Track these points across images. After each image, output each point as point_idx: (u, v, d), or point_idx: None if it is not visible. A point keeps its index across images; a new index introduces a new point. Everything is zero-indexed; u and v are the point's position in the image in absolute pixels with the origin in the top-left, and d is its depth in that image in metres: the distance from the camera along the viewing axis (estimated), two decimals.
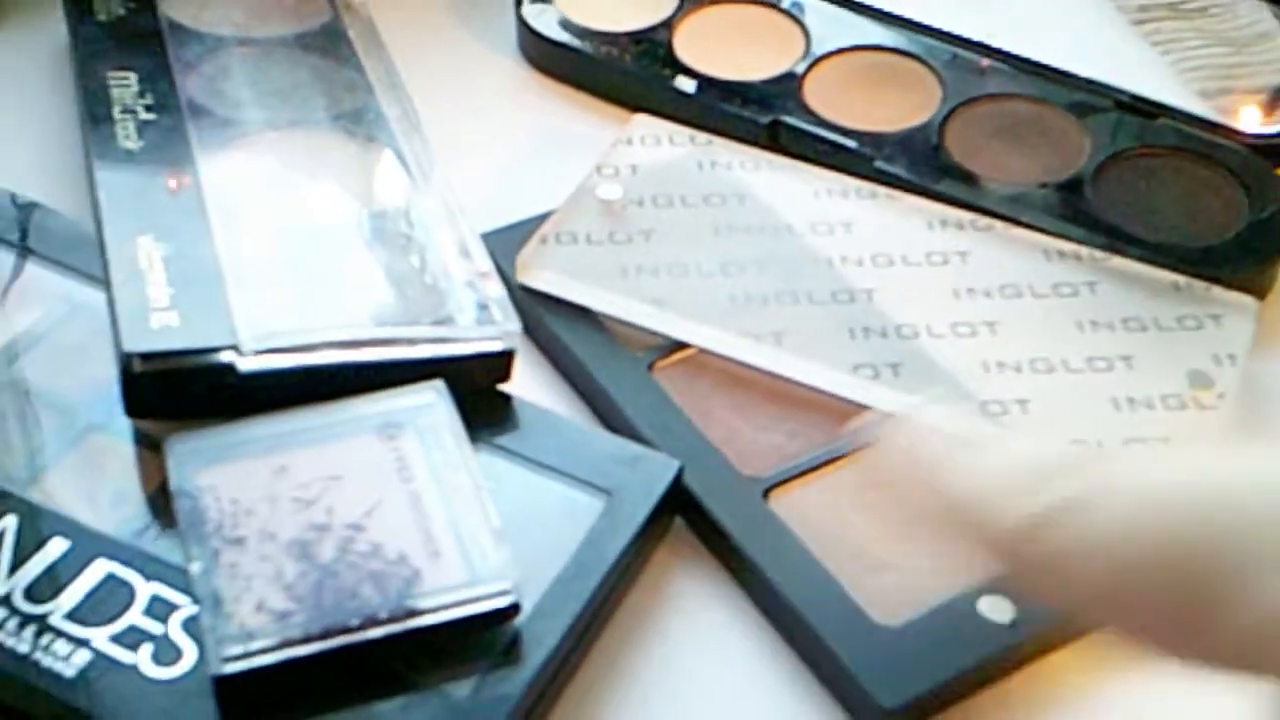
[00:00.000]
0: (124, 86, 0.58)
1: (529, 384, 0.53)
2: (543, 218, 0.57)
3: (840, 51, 0.66)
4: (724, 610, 0.48)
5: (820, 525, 0.48)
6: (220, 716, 0.42)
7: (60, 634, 0.43)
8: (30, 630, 0.43)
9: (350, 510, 0.45)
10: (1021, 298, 0.54)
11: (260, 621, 0.42)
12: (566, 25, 0.67)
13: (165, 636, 0.44)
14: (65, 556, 0.45)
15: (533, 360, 0.55)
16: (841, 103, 0.63)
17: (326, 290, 0.51)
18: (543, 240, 0.55)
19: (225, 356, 0.47)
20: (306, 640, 0.42)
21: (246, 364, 0.47)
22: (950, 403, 0.50)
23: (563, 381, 0.54)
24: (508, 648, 0.44)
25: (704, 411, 0.52)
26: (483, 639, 0.44)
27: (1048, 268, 0.55)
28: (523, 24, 0.67)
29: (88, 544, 0.46)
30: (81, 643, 0.43)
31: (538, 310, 0.54)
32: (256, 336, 0.47)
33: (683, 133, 0.60)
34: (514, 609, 0.44)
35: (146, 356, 0.47)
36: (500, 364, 0.50)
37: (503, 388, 0.51)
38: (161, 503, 0.47)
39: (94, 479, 0.48)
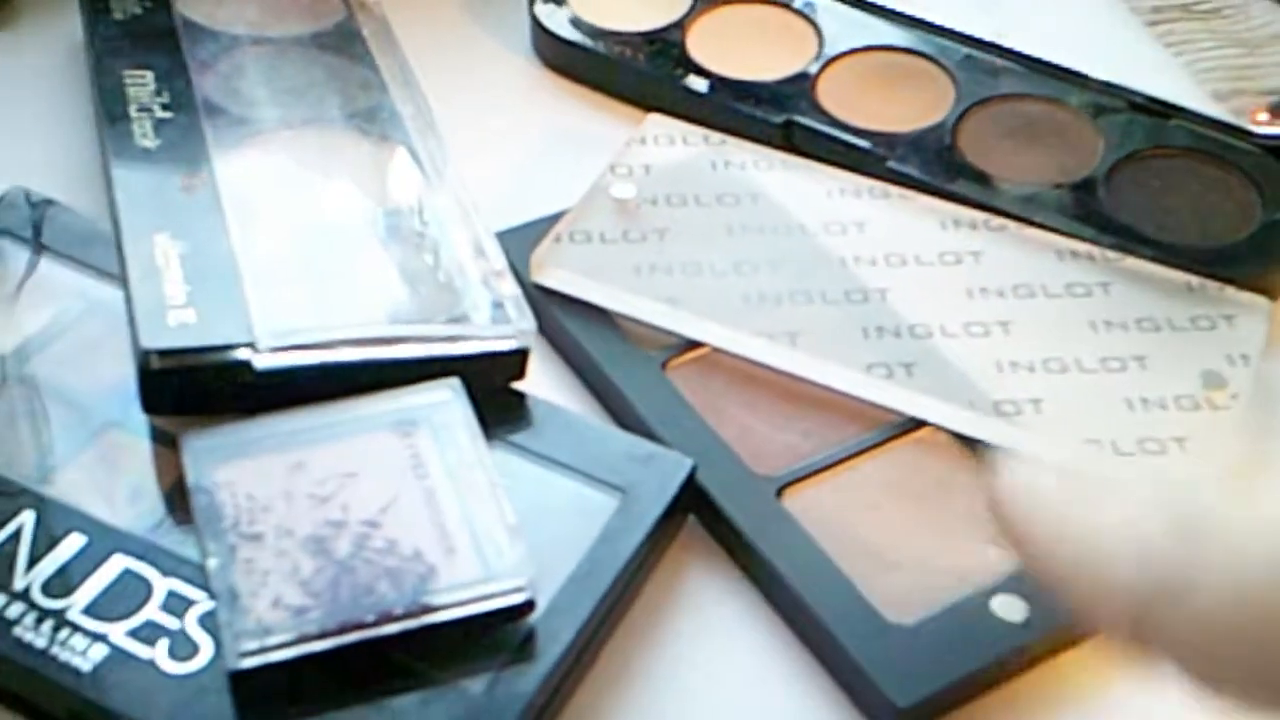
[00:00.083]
0: (140, 85, 0.58)
1: (543, 382, 0.54)
2: (557, 217, 0.57)
3: (853, 52, 0.66)
4: (737, 608, 0.48)
5: (833, 524, 0.48)
6: (236, 711, 0.42)
7: (77, 629, 0.44)
8: (48, 625, 0.44)
9: (366, 507, 0.45)
10: (1035, 298, 0.54)
11: (277, 617, 0.42)
12: (579, 25, 0.67)
13: (182, 631, 0.44)
14: (82, 552, 0.46)
15: (547, 359, 0.55)
16: (855, 103, 0.63)
17: (342, 288, 0.52)
18: (557, 239, 0.56)
19: (242, 353, 0.47)
20: (322, 635, 0.42)
21: (263, 361, 0.47)
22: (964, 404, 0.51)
23: (577, 380, 0.55)
24: (522, 644, 0.44)
25: (717, 410, 0.52)
26: (497, 635, 0.44)
27: (1061, 268, 0.55)
28: (536, 23, 0.68)
29: (105, 540, 0.46)
30: (98, 637, 0.44)
31: (552, 309, 0.55)
32: (273, 334, 0.48)
33: (696, 132, 0.60)
34: (529, 605, 0.44)
35: (164, 353, 0.47)
36: (515, 362, 0.51)
37: (517, 386, 0.51)
38: (178, 499, 0.47)
39: (111, 475, 0.48)
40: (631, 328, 0.54)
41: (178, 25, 0.62)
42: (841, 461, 0.50)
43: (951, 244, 0.56)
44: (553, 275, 0.55)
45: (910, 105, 0.63)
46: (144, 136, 0.56)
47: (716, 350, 0.53)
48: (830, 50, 0.66)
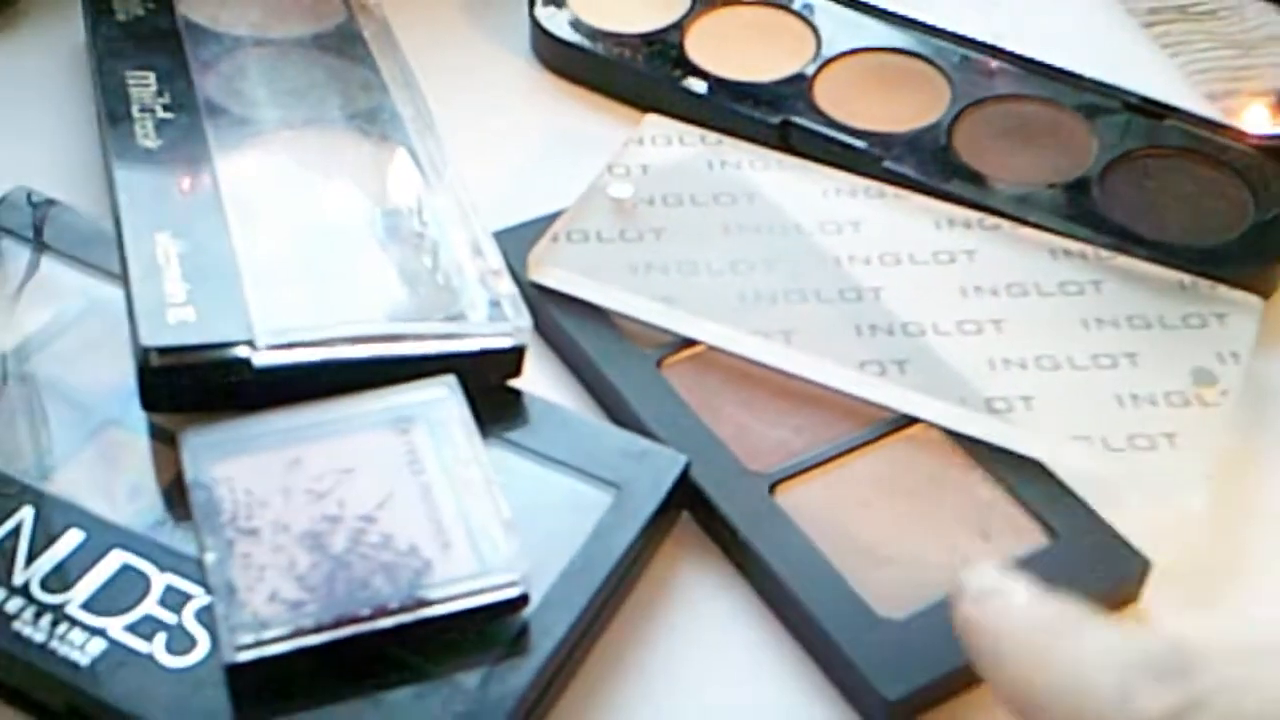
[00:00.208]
0: (143, 85, 0.59)
1: (539, 380, 0.54)
2: (554, 216, 0.57)
3: (850, 53, 0.66)
4: (729, 603, 0.49)
5: (825, 520, 0.49)
6: (233, 704, 0.43)
7: (76, 623, 0.44)
8: (47, 619, 0.44)
9: (362, 502, 0.46)
10: (1028, 296, 0.55)
11: (273, 611, 0.43)
12: (579, 26, 0.68)
13: (179, 626, 0.44)
14: (81, 547, 0.46)
15: (543, 356, 0.55)
16: (851, 103, 0.64)
17: (341, 286, 0.52)
18: (554, 238, 0.56)
19: (240, 351, 0.48)
20: (318, 629, 0.43)
21: (261, 358, 0.48)
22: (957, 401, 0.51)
23: (573, 377, 0.55)
24: (516, 638, 0.44)
25: (712, 408, 0.52)
26: (492, 629, 0.44)
27: (1054, 266, 0.56)
28: (536, 25, 0.68)
29: (104, 535, 0.46)
30: (97, 632, 0.44)
31: (549, 307, 0.55)
32: (271, 331, 0.48)
33: (693, 133, 0.61)
34: (523, 600, 0.44)
35: (164, 351, 0.47)
36: (511, 360, 0.51)
37: (513, 383, 0.51)
38: (176, 496, 0.47)
39: (110, 472, 0.49)
40: (627, 326, 0.55)
41: (180, 26, 0.62)
42: (834, 458, 0.51)
43: (946, 243, 0.57)
44: (550, 274, 0.55)
45: (906, 106, 0.64)
46: (146, 137, 0.56)
47: (712, 348, 0.54)
48: (827, 51, 0.66)
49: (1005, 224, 0.57)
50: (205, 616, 0.44)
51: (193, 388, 0.48)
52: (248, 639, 0.42)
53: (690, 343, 0.54)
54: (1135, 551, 0.48)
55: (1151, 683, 0.35)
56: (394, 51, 0.63)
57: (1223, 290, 0.55)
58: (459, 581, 0.44)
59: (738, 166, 0.60)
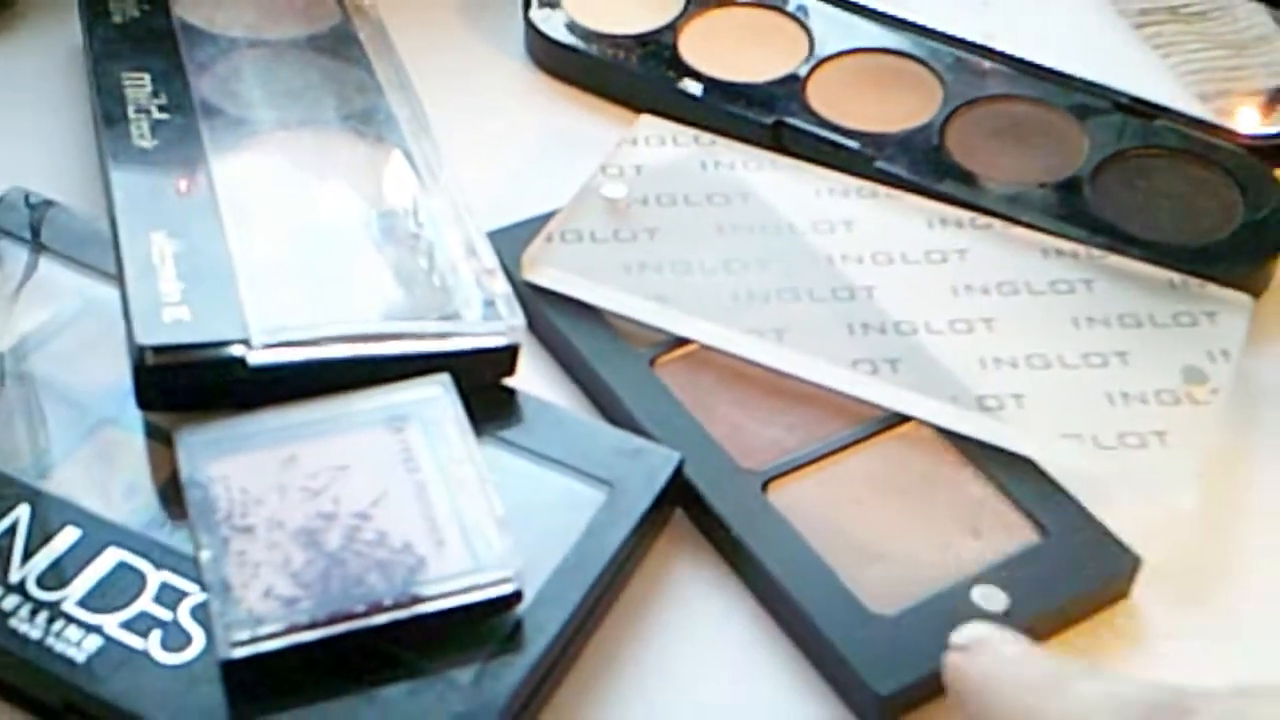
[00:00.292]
0: (138, 87, 0.59)
1: (533, 379, 0.54)
2: (548, 216, 0.58)
3: (843, 54, 0.67)
4: (722, 600, 0.49)
5: (818, 517, 0.49)
6: (228, 700, 0.43)
7: (72, 620, 0.44)
8: (43, 616, 0.44)
9: (357, 500, 0.46)
10: (1019, 295, 0.55)
11: (268, 607, 0.43)
12: (573, 28, 0.68)
13: (175, 623, 0.44)
14: (77, 545, 0.46)
15: (537, 356, 0.56)
16: (844, 104, 0.64)
17: (336, 286, 0.52)
18: (548, 238, 0.56)
19: (236, 350, 0.48)
20: (313, 626, 0.43)
21: (256, 357, 0.48)
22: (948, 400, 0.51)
23: (566, 376, 0.55)
24: (510, 634, 0.45)
25: (705, 406, 0.52)
26: (486, 626, 0.45)
27: (1045, 265, 0.56)
28: (530, 27, 0.68)
29: (99, 533, 0.47)
30: (93, 629, 0.44)
31: (542, 307, 0.55)
32: (266, 330, 0.48)
33: (687, 133, 0.61)
34: (516, 596, 0.45)
35: (159, 349, 0.48)
36: (505, 359, 0.51)
37: (507, 382, 0.52)
38: (172, 494, 0.47)
39: (106, 471, 0.49)
40: (621, 325, 0.55)
41: (176, 28, 0.63)
42: (826, 456, 0.51)
43: (938, 242, 0.57)
44: (544, 273, 0.56)
45: (898, 106, 0.64)
46: (142, 137, 0.56)
47: (705, 347, 0.54)
48: (820, 52, 0.67)
49: (997, 223, 0.58)
50: (201, 613, 0.45)
51: (188, 386, 0.49)
52: (243, 635, 0.43)
53: (683, 342, 0.54)
54: (1126, 549, 0.49)
55: None
56: (389, 53, 0.63)
57: (1213, 289, 0.55)
58: (453, 578, 0.44)
59: (731, 167, 0.60)
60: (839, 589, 0.47)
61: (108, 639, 0.44)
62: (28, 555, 0.46)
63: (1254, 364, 0.55)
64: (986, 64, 0.65)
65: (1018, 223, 0.58)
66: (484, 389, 0.51)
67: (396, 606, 0.44)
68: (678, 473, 0.50)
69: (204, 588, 0.44)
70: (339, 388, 0.49)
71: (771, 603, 0.48)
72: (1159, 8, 0.68)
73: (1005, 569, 0.47)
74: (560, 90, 0.68)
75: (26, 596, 0.45)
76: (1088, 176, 0.61)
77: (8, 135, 0.64)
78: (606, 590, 0.48)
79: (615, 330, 0.55)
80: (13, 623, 0.44)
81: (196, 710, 0.43)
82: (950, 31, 0.66)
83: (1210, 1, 0.68)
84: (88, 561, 0.46)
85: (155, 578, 0.46)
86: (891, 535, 0.49)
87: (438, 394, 0.49)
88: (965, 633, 0.41)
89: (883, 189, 0.59)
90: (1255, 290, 0.57)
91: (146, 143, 0.56)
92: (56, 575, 0.45)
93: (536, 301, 0.55)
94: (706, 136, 0.61)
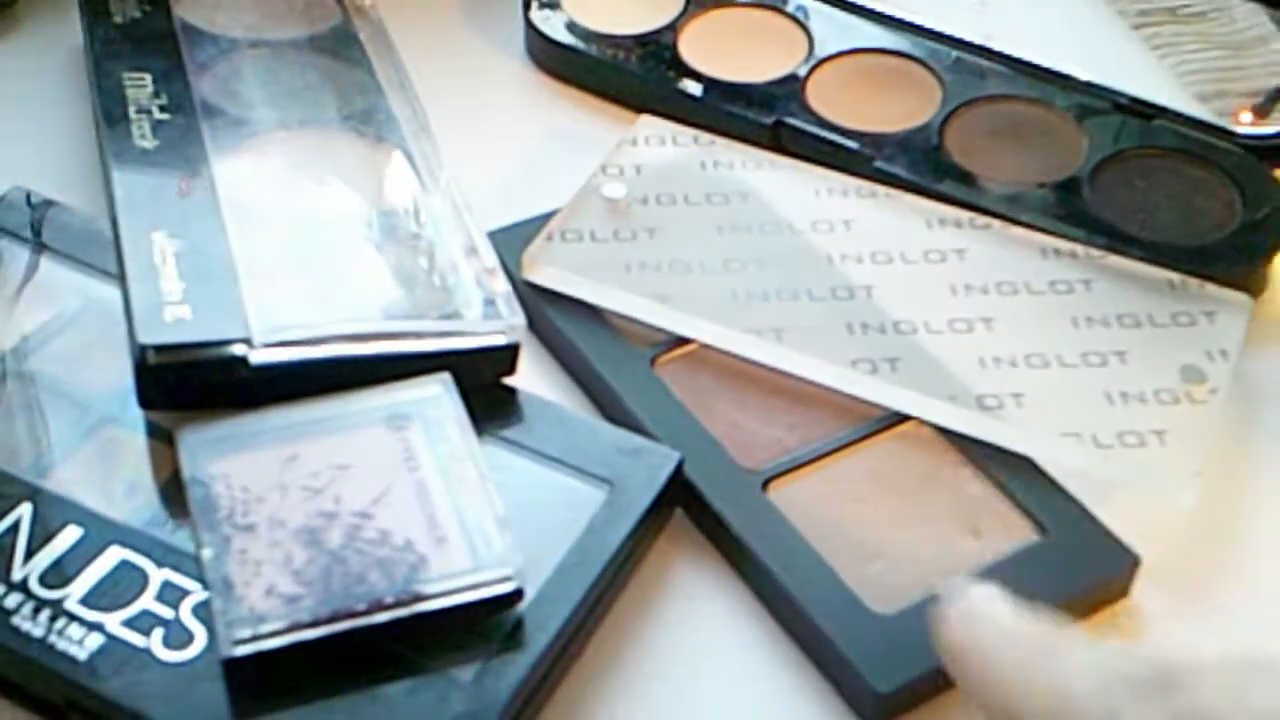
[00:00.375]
0: (139, 87, 0.59)
1: (534, 378, 0.54)
2: (548, 216, 0.58)
3: (842, 54, 0.67)
4: (723, 598, 0.49)
5: (818, 516, 0.49)
6: (230, 698, 0.43)
7: (74, 618, 0.45)
8: (45, 614, 0.45)
9: (358, 498, 0.46)
10: (1018, 294, 0.55)
11: (270, 605, 0.43)
12: (573, 28, 0.68)
13: (177, 621, 0.45)
14: (79, 544, 0.46)
15: (538, 355, 0.56)
16: (843, 104, 0.64)
17: (337, 286, 0.52)
18: (548, 238, 0.57)
19: (237, 349, 0.48)
20: (315, 624, 0.43)
21: (258, 356, 0.48)
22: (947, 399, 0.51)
23: (567, 376, 0.55)
24: (511, 633, 0.45)
25: (705, 405, 0.53)
26: (487, 624, 0.45)
27: (1044, 265, 0.56)
28: (530, 27, 0.69)
29: (101, 532, 0.47)
30: (95, 627, 0.44)
31: (543, 306, 0.55)
32: (267, 329, 0.49)
33: (686, 133, 0.61)
34: (517, 595, 0.45)
35: (160, 349, 0.48)
36: (506, 358, 0.51)
37: (508, 381, 0.52)
38: (173, 492, 0.48)
39: (108, 470, 0.49)
40: (621, 324, 0.55)
41: (176, 28, 0.63)
42: (826, 455, 0.51)
43: (937, 242, 0.57)
44: (544, 273, 0.56)
45: (897, 106, 0.64)
46: (142, 137, 0.56)
47: (705, 346, 0.54)
48: (819, 53, 0.67)
49: (996, 223, 0.58)
50: (202, 611, 0.45)
51: (189, 385, 0.49)
52: (244, 633, 0.43)
53: (683, 341, 0.54)
54: (1125, 548, 0.49)
55: (1138, 700, 0.35)
56: (389, 53, 0.64)
57: (1212, 289, 0.56)
58: (454, 577, 0.44)
59: (730, 166, 0.60)
60: (839, 588, 0.47)
61: (110, 637, 0.44)
62: (30, 554, 0.46)
63: (1252, 364, 0.55)
64: (985, 64, 0.65)
65: (1017, 223, 0.58)
66: (485, 388, 0.51)
67: (398, 605, 0.44)
68: (678, 472, 0.50)
69: (206, 586, 0.44)
70: (340, 387, 0.49)
71: (771, 601, 0.49)
72: (1157, 8, 0.68)
73: (1005, 568, 0.48)
74: (560, 90, 0.68)
75: (29, 595, 0.45)
76: (1086, 177, 0.61)
77: (9, 135, 0.65)
78: (607, 589, 0.48)
79: (615, 329, 0.55)
80: (15, 621, 0.44)
81: (198, 708, 0.43)
82: (949, 32, 0.66)
83: (1208, 2, 0.68)
84: (90, 560, 0.46)
85: (157, 576, 0.46)
86: (891, 534, 0.49)
87: (438, 393, 0.49)
88: (958, 597, 0.40)
89: (882, 189, 0.59)
90: (1254, 290, 0.57)
91: (147, 143, 0.56)
92: (59, 573, 0.46)
93: (537, 301, 0.55)
94: (706, 136, 0.61)
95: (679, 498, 0.51)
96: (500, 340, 0.51)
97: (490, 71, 0.69)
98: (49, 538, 0.46)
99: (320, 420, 0.48)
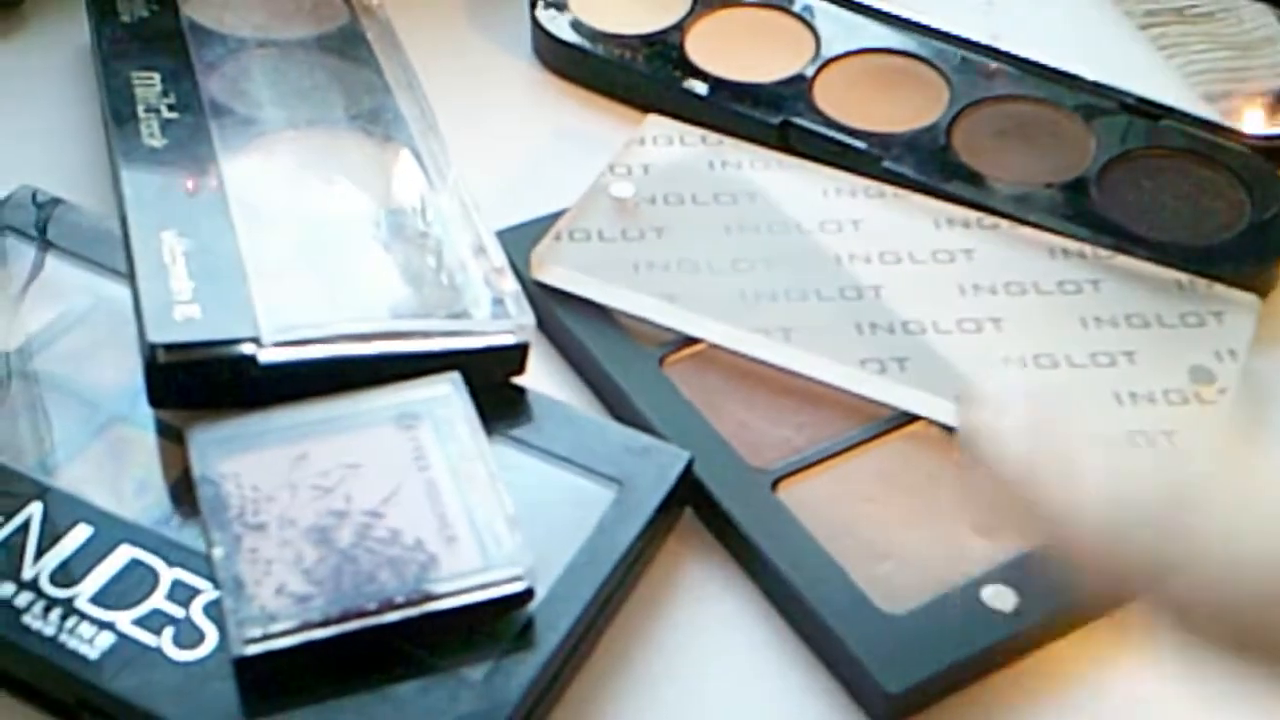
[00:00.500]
0: (148, 86, 0.59)
1: (543, 377, 0.54)
2: (557, 215, 0.58)
3: (850, 54, 0.67)
4: (732, 598, 0.49)
5: (827, 516, 0.49)
6: (241, 697, 0.43)
7: (85, 617, 0.45)
8: (56, 613, 0.45)
9: (368, 497, 0.46)
10: (1026, 295, 0.55)
11: (280, 604, 0.43)
12: (580, 28, 0.68)
13: (187, 620, 0.45)
14: (89, 543, 0.46)
15: (547, 354, 0.56)
16: (851, 104, 0.64)
17: (346, 285, 0.52)
18: (557, 237, 0.57)
19: (246, 348, 0.48)
20: (325, 623, 0.43)
21: (267, 355, 0.48)
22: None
23: (576, 375, 0.55)
24: (522, 632, 0.45)
25: (714, 405, 0.53)
26: (497, 623, 0.45)
27: (1052, 265, 0.56)
28: (537, 27, 0.69)
29: (112, 530, 0.47)
30: (106, 626, 0.44)
31: (551, 305, 0.55)
32: (277, 328, 0.49)
33: (694, 133, 0.61)
34: (528, 594, 0.45)
35: (170, 347, 0.48)
36: (515, 357, 0.51)
37: (517, 380, 0.52)
38: (183, 491, 0.48)
39: (117, 468, 0.49)
40: (630, 324, 0.55)
41: (184, 28, 0.63)
42: (835, 455, 0.51)
43: (945, 242, 0.57)
44: (552, 272, 0.56)
45: (905, 106, 0.64)
46: (151, 136, 0.56)
47: (713, 346, 0.54)
48: (827, 53, 0.67)
49: (1004, 223, 0.58)
50: (213, 610, 0.45)
51: (199, 384, 0.49)
52: (255, 633, 0.43)
53: (692, 341, 0.54)
54: None
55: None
56: (397, 53, 0.64)
57: (1220, 289, 0.56)
58: (464, 576, 0.44)
59: (738, 166, 0.60)
60: (849, 587, 0.47)
61: (120, 636, 0.44)
62: (40, 552, 0.46)
63: (1261, 364, 0.55)
64: (993, 64, 0.65)
65: (1025, 223, 0.58)
66: (494, 387, 0.51)
67: (408, 604, 0.44)
68: (687, 471, 0.50)
69: (216, 585, 0.45)
70: (349, 386, 0.49)
71: (781, 601, 0.49)
72: (1165, 9, 0.68)
73: (1015, 568, 0.48)
74: (567, 90, 0.68)
75: (39, 594, 0.45)
76: (1094, 177, 0.61)
77: (16, 134, 0.65)
78: (617, 588, 0.48)
79: (624, 329, 0.55)
80: (26, 620, 0.44)
81: (209, 707, 0.43)
82: (956, 32, 0.66)
83: (1216, 2, 0.68)
84: (100, 559, 0.46)
85: (167, 575, 0.46)
86: (901, 534, 0.49)
87: (448, 392, 0.49)
88: (978, 387, 0.40)
89: (890, 189, 0.59)
90: (1262, 290, 0.57)
91: (156, 142, 0.56)
92: (69, 572, 0.46)
93: (546, 300, 0.55)
94: (714, 136, 0.61)
95: (688, 497, 0.51)
96: (509, 339, 0.51)
97: (497, 71, 0.69)
98: (59, 536, 0.46)
99: (330, 419, 0.48)
